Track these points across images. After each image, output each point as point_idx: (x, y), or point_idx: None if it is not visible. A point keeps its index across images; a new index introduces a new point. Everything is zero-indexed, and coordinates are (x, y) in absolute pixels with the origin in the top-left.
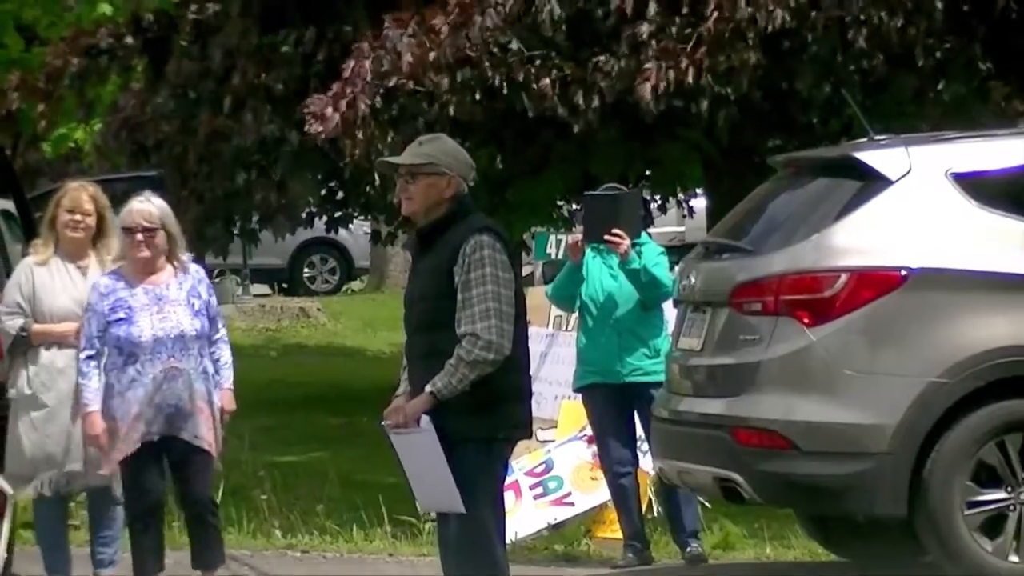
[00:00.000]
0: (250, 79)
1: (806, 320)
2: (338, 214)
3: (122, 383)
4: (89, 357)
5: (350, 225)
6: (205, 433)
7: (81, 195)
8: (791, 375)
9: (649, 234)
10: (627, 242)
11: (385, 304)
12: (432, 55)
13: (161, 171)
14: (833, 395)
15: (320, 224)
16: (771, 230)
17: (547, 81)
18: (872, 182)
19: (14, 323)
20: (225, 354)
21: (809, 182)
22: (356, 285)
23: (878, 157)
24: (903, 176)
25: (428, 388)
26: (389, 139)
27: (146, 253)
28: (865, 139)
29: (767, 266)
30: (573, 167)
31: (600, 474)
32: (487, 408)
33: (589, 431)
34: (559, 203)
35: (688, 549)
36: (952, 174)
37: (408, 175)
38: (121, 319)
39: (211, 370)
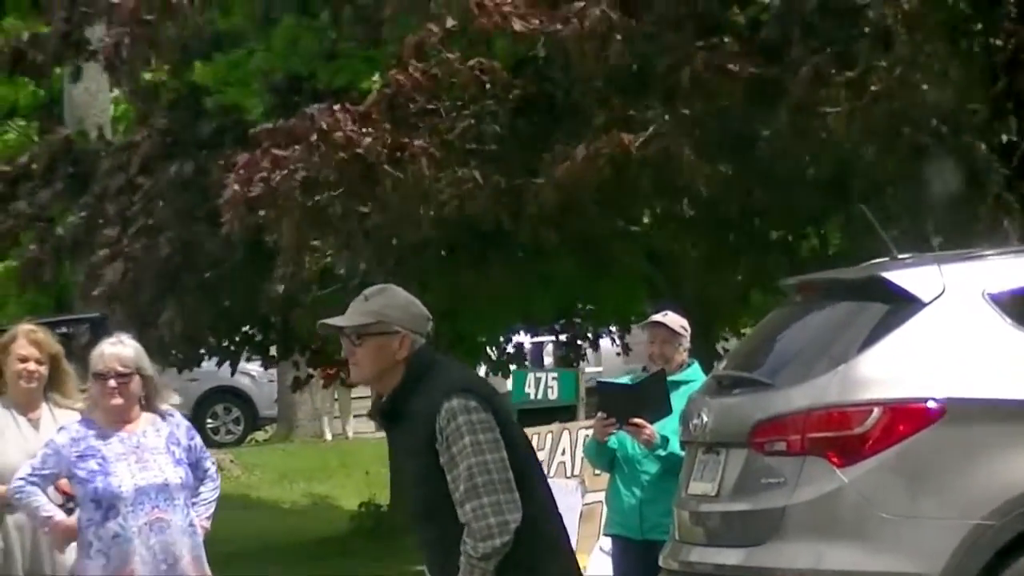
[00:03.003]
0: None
1: (835, 460)
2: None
3: (103, 540)
4: (27, 483)
5: (254, 373)
6: None
7: (32, 341)
8: (821, 520)
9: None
10: (648, 429)
11: (296, 454)
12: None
13: (104, 312)
14: (868, 541)
15: (222, 372)
16: (790, 360)
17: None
18: (902, 305)
19: None
20: (206, 490)
21: (829, 306)
22: (260, 435)
23: (909, 277)
24: (936, 297)
25: None
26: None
27: (119, 401)
28: (886, 259)
29: (789, 401)
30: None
31: None
32: None
33: None
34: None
35: None
36: (989, 294)
37: (354, 336)
38: (94, 471)
39: (198, 526)
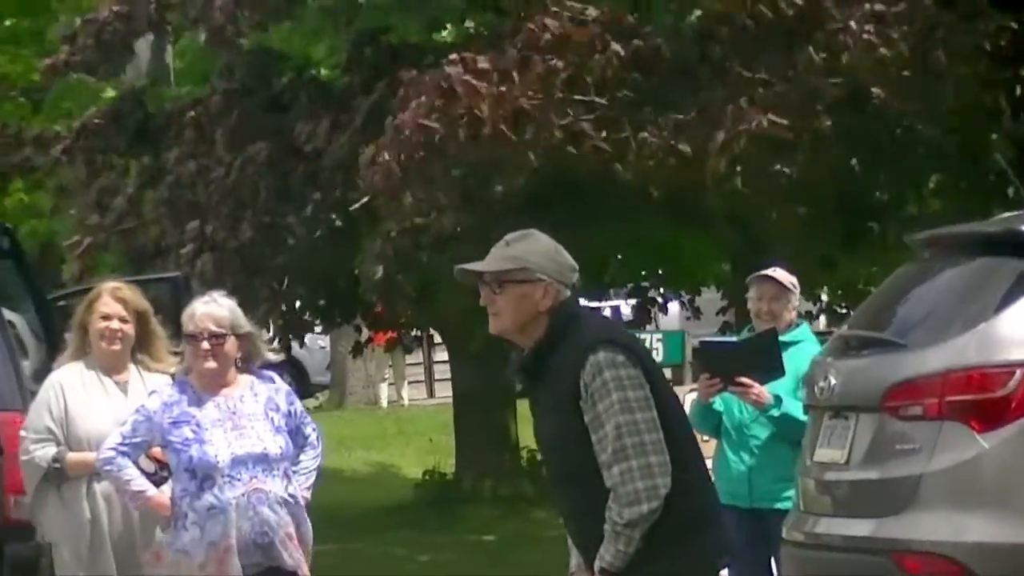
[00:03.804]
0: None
1: (976, 425)
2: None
3: (198, 512)
4: (118, 454)
5: (305, 340)
6: (299, 564)
7: (117, 299)
8: (960, 489)
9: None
10: (756, 389)
11: (351, 421)
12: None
13: (186, 271)
14: (1012, 512)
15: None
16: (923, 319)
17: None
18: None
19: (44, 453)
20: (307, 458)
21: (964, 262)
22: (311, 403)
23: None
24: None
25: (598, 564)
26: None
27: (213, 364)
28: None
29: (925, 363)
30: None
31: None
32: (666, 554)
33: None
34: None
35: None
36: None
37: (495, 284)
38: (188, 439)
39: (299, 496)
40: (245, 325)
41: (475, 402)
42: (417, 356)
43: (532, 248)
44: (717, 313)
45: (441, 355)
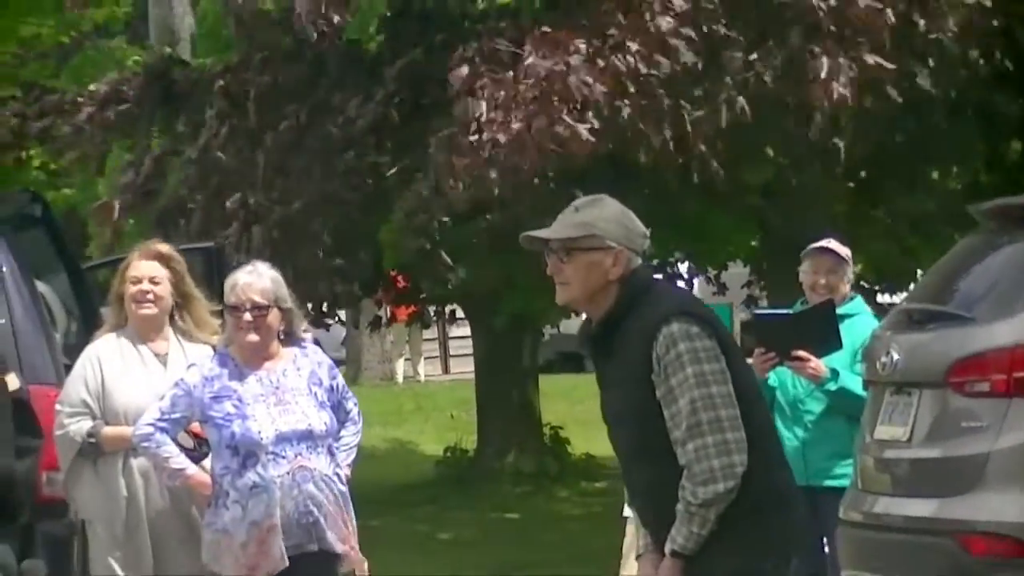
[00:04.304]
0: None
1: None
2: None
3: (240, 491)
4: (156, 430)
5: None
6: (346, 542)
7: (148, 259)
8: None
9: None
10: (813, 362)
11: (368, 397)
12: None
13: (220, 241)
14: None
15: None
16: (989, 293)
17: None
18: None
19: (80, 427)
20: (348, 433)
21: None
22: None
23: None
24: None
25: (669, 546)
26: None
27: (255, 337)
28: None
29: (992, 337)
30: None
31: None
32: (741, 536)
33: None
34: None
35: None
36: None
37: (562, 252)
38: (231, 414)
39: (343, 474)
40: (287, 298)
41: (497, 377)
42: (431, 332)
43: (602, 214)
44: (742, 287)
45: (456, 331)
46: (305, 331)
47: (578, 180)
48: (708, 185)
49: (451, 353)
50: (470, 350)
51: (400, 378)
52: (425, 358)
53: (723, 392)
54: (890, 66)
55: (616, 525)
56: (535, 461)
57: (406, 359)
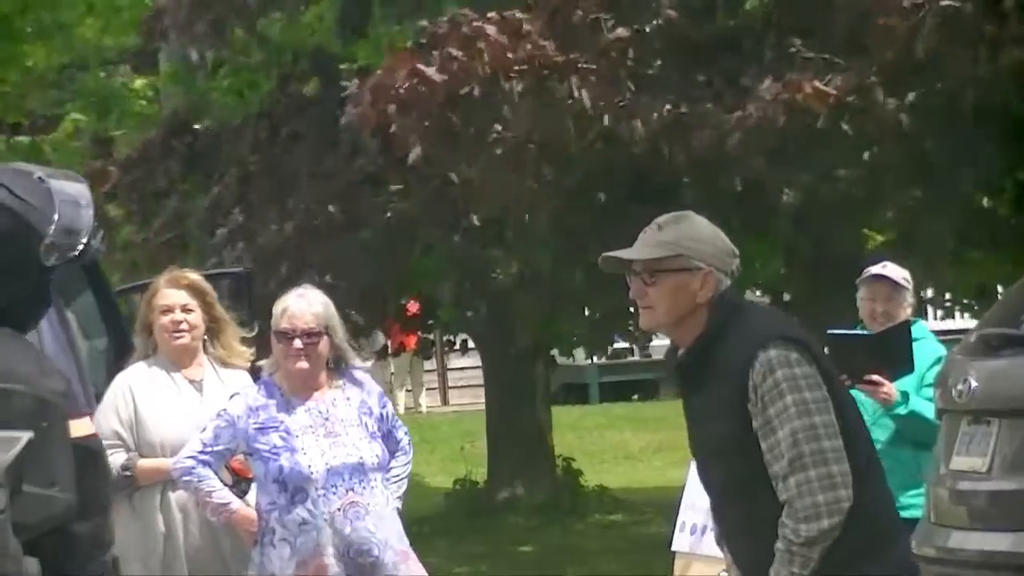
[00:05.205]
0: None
1: None
2: None
3: (288, 528)
4: (198, 463)
5: None
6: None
7: (177, 286)
8: None
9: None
10: (886, 386)
11: None
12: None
13: (249, 267)
14: None
15: None
16: None
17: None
18: None
19: (114, 460)
20: (398, 464)
21: None
22: None
23: None
24: None
25: None
26: None
27: (305, 365)
28: None
29: None
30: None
31: None
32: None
33: None
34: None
35: None
36: None
37: (646, 274)
38: (278, 447)
39: (396, 507)
40: (339, 325)
41: (509, 408)
42: (430, 363)
43: (688, 232)
44: None
45: (455, 362)
46: (367, 360)
47: (592, 201)
48: (740, 208)
49: (450, 384)
50: (469, 381)
51: (401, 409)
52: (427, 389)
53: (826, 422)
54: None
55: (640, 557)
56: (547, 493)
57: (407, 390)
